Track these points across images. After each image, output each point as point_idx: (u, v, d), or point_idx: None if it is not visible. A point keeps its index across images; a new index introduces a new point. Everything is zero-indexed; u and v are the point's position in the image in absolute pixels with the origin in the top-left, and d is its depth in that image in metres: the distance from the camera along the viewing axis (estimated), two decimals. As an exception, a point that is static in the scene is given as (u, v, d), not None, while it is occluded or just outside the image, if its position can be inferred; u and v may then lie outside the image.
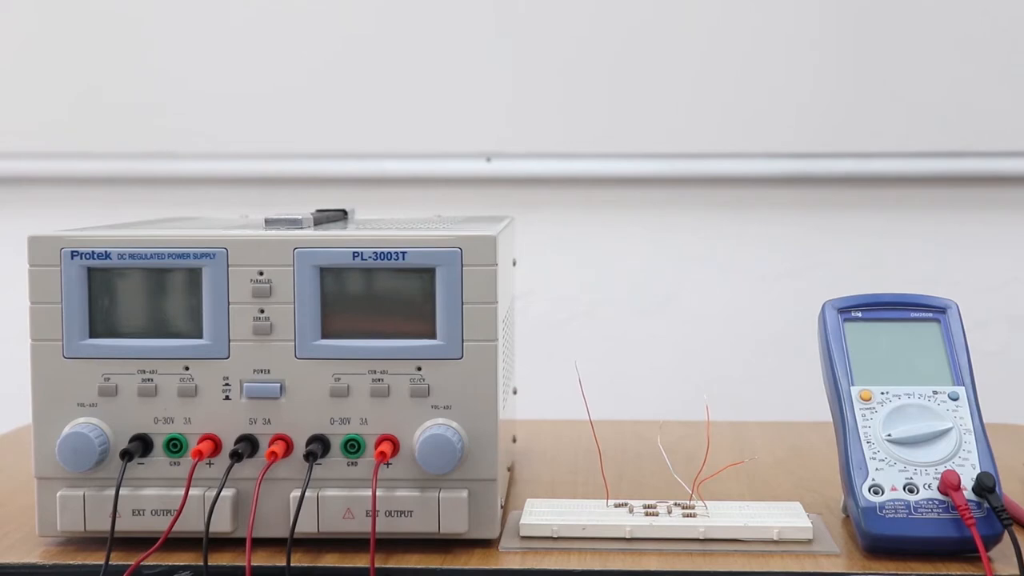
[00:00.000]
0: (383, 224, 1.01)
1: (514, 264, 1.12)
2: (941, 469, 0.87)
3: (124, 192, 2.17)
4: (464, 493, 0.87)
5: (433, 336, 0.87)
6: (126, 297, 0.88)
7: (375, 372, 0.87)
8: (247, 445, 0.87)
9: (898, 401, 0.91)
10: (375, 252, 0.87)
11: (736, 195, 2.15)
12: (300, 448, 0.87)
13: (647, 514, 0.92)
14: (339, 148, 2.13)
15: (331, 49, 2.12)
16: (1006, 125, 2.09)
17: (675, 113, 2.11)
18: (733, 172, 2.12)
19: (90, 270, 0.87)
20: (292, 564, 0.83)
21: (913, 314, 0.96)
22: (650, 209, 2.17)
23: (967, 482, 0.86)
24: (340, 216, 1.10)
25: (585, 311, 2.19)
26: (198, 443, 0.87)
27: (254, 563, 0.83)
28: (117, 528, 0.86)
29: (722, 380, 2.15)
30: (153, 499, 0.87)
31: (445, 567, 0.85)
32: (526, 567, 0.85)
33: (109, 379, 0.88)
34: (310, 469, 0.86)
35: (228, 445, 0.88)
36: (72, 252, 0.87)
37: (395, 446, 0.87)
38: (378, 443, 0.87)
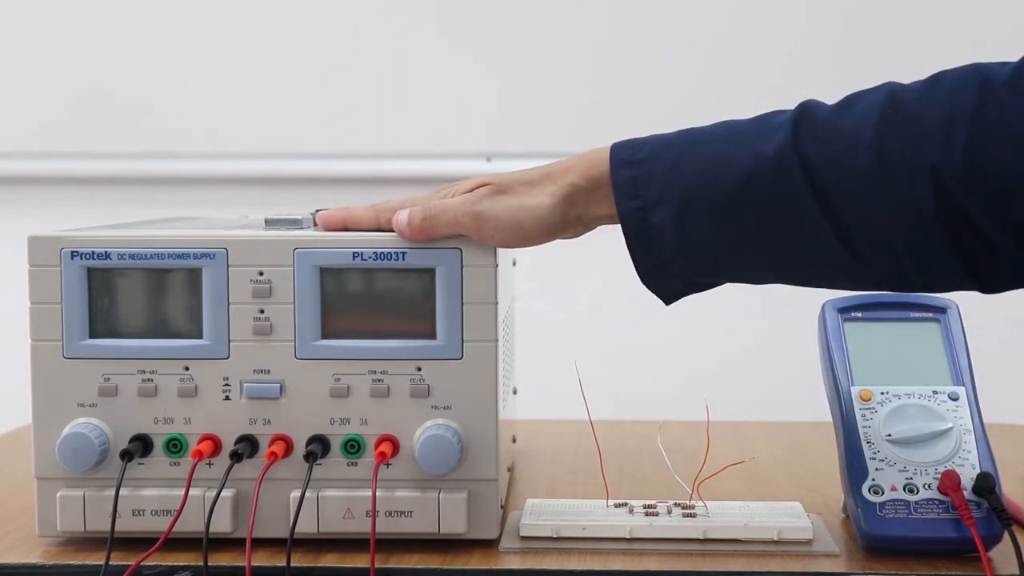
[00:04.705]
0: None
1: (514, 264, 1.12)
2: (941, 469, 0.87)
3: (124, 192, 2.17)
4: (464, 493, 0.87)
5: (433, 336, 0.87)
6: (126, 297, 0.88)
7: (375, 372, 0.87)
8: (247, 445, 0.87)
9: (898, 401, 0.91)
10: (375, 252, 0.87)
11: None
12: (300, 448, 0.87)
13: (647, 514, 0.92)
14: (339, 148, 2.13)
15: (331, 49, 2.12)
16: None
17: (676, 113, 2.10)
18: (733, 172, 2.12)
19: (90, 270, 0.87)
20: (292, 564, 0.83)
21: (913, 314, 0.96)
22: (650, 209, 2.16)
23: (967, 482, 0.86)
24: (340, 216, 1.09)
25: (585, 311, 2.18)
26: (198, 443, 0.87)
27: (254, 563, 0.83)
28: (117, 528, 0.86)
29: (722, 380, 2.14)
30: (153, 499, 0.87)
31: (445, 567, 0.85)
32: (526, 567, 0.85)
33: (109, 379, 0.88)
34: (310, 469, 0.86)
35: (228, 445, 0.88)
36: (72, 252, 0.87)
37: (395, 446, 0.87)
38: (378, 443, 0.87)
